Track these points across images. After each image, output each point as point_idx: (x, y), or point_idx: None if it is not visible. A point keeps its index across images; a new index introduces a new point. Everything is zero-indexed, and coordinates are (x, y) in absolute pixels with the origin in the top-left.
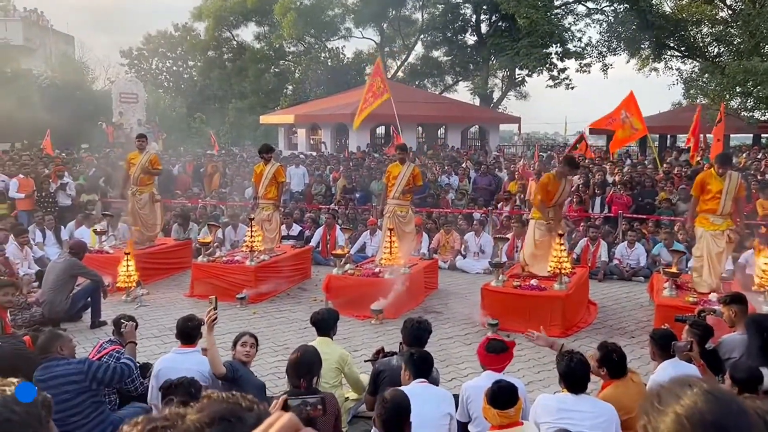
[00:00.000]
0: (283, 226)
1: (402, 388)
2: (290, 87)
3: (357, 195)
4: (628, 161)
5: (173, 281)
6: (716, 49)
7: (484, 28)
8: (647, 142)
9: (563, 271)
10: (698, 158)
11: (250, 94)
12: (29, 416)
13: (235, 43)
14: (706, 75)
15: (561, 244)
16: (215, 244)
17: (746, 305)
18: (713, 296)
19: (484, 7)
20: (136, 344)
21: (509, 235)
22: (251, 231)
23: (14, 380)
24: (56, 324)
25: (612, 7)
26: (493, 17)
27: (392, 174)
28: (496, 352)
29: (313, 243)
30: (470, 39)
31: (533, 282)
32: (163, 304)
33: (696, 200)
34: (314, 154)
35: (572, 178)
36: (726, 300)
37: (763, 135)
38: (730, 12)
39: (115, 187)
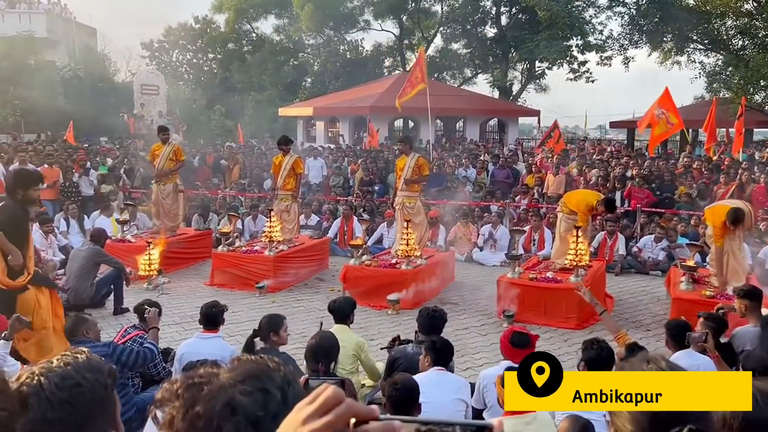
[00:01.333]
0: (302, 217)
1: (419, 374)
2: (309, 79)
3: (375, 187)
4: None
5: (194, 270)
6: (740, 42)
7: (504, 20)
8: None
9: (580, 264)
10: (719, 153)
11: (269, 87)
12: (98, 383)
13: (254, 35)
14: (730, 68)
15: (579, 236)
16: (235, 235)
17: (760, 300)
18: (730, 289)
19: None
20: (159, 330)
21: (526, 228)
22: (270, 221)
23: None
24: (81, 310)
25: None
26: (513, 9)
27: (399, 166)
28: (521, 347)
29: (330, 234)
30: (490, 31)
31: (549, 274)
32: (184, 292)
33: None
34: (332, 146)
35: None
36: (740, 293)
37: None
38: (755, 4)
39: (135, 178)
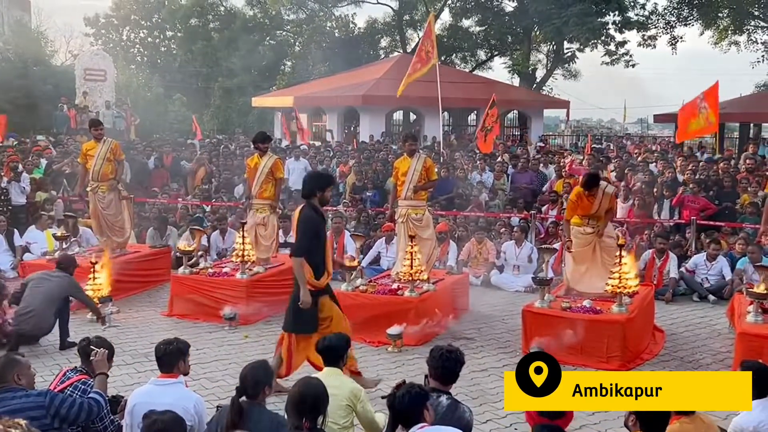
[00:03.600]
0: (280, 231)
1: None
2: (289, 63)
3: (369, 194)
4: (703, 155)
5: (148, 297)
6: None
7: None
8: (724, 133)
9: (624, 291)
10: None
11: (240, 72)
12: None
13: (222, 9)
14: None
15: (622, 257)
16: (199, 253)
17: None
18: None
19: None
20: (108, 376)
21: (556, 245)
22: (243, 237)
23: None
24: (36, 340)
25: None
26: None
27: (400, 170)
28: (550, 417)
29: None
30: (509, 5)
31: (586, 303)
32: (137, 324)
33: None
34: (318, 144)
35: (612, 189)
36: None
37: None
38: None
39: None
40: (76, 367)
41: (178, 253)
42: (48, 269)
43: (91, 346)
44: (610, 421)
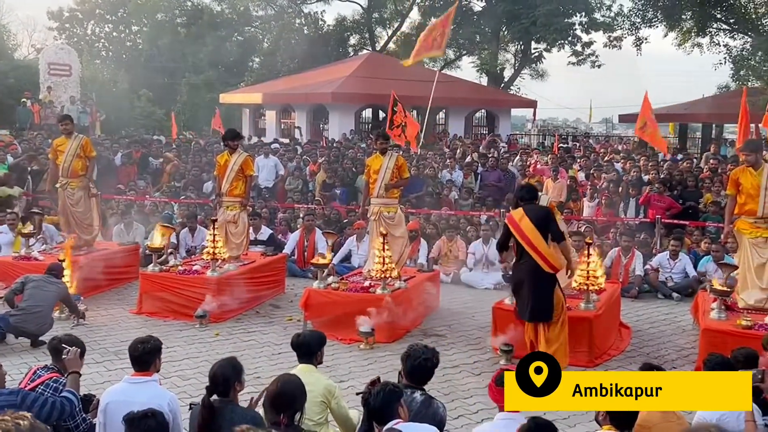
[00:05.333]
0: (251, 229)
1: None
2: (257, 59)
3: (338, 191)
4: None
5: (116, 295)
6: None
7: None
8: (687, 134)
9: (591, 288)
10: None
11: (207, 68)
12: None
13: (190, 4)
14: (759, 53)
15: (590, 255)
16: (169, 251)
17: None
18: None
19: None
20: (80, 375)
21: None
22: (213, 234)
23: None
24: (36, 339)
25: None
26: None
27: (372, 168)
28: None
29: (287, 250)
30: (477, 5)
31: None
32: (105, 322)
33: (732, 200)
34: (287, 141)
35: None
36: (764, 344)
37: None
38: None
39: (42, 180)
40: (46, 365)
41: (147, 251)
42: (16, 268)
43: (63, 345)
44: (578, 416)
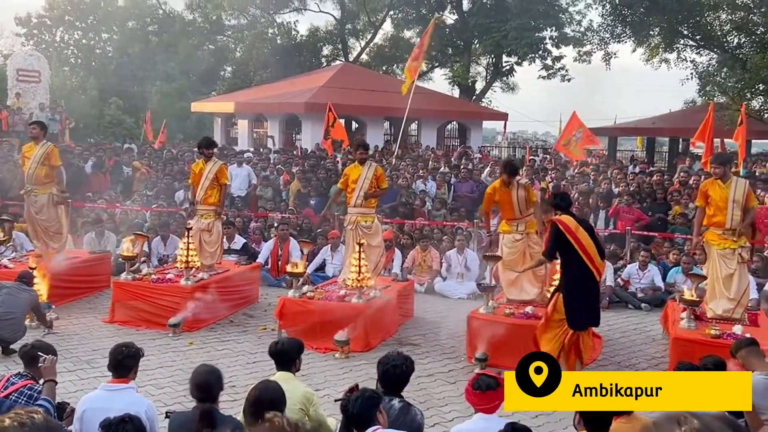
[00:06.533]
0: (224, 238)
1: None
2: (229, 68)
3: (313, 201)
4: (635, 167)
5: (88, 303)
6: (736, 40)
7: (466, 4)
8: (654, 147)
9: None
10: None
11: (178, 76)
12: None
13: (161, 12)
14: (725, 69)
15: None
16: (142, 260)
17: (756, 345)
18: (738, 328)
19: None
20: (56, 383)
21: (499, 253)
22: (187, 243)
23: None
24: (8, 346)
25: None
26: None
27: (351, 177)
28: (482, 390)
29: (261, 259)
30: (449, 18)
31: (528, 309)
32: (77, 331)
33: (701, 211)
34: (261, 150)
35: (526, 184)
36: (732, 352)
37: None
38: None
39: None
40: (20, 372)
41: (120, 259)
42: None
43: (39, 353)
44: (553, 423)
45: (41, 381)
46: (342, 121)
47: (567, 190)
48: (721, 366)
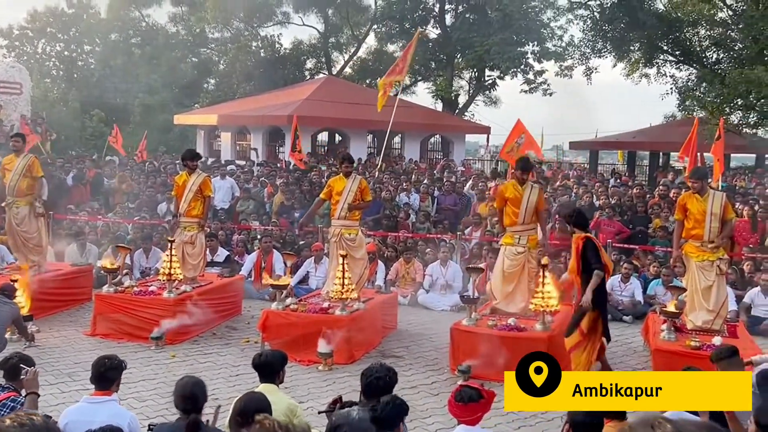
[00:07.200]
0: (207, 251)
1: None
2: (212, 81)
3: (296, 214)
4: (614, 181)
5: (69, 316)
6: (715, 55)
7: (449, 19)
8: (635, 161)
9: (547, 309)
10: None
11: (161, 89)
12: None
13: (144, 24)
14: (704, 84)
15: (545, 277)
16: (124, 272)
17: (737, 355)
18: (717, 340)
19: None
20: (39, 395)
21: (482, 265)
22: (170, 255)
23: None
24: None
25: (598, 2)
26: (460, 7)
27: (335, 189)
28: (464, 402)
29: (244, 272)
30: (432, 32)
31: (511, 321)
32: (58, 344)
33: (680, 225)
34: (244, 163)
35: (540, 187)
36: (712, 359)
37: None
38: (730, 13)
39: None
40: (1, 384)
41: (102, 272)
42: None
43: (22, 365)
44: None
45: (23, 393)
46: (325, 133)
47: (549, 203)
48: None
